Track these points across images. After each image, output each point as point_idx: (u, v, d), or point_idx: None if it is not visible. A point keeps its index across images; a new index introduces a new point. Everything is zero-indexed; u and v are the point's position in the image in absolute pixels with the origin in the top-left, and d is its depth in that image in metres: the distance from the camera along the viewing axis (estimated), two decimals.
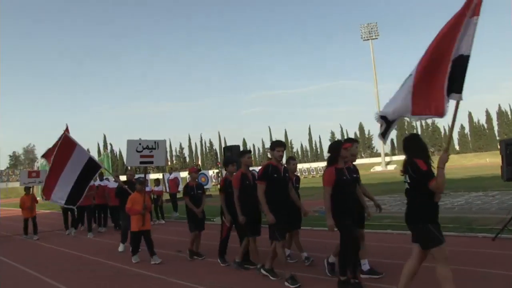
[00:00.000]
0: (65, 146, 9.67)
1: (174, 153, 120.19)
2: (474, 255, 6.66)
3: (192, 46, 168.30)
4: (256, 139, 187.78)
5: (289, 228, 6.48)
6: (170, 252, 9.10)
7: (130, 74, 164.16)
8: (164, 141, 8.68)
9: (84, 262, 8.98)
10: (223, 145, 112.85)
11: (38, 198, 15.02)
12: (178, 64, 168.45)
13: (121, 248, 9.92)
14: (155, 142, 8.51)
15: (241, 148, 13.95)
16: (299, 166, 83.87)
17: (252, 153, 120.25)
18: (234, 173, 7.16)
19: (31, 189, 14.22)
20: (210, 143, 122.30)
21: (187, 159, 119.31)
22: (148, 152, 8.40)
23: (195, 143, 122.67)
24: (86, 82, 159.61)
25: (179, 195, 13.82)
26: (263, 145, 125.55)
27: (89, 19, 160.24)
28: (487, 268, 5.85)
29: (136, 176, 12.19)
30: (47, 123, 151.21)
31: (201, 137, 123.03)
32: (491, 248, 7.16)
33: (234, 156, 12.53)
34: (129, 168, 16.33)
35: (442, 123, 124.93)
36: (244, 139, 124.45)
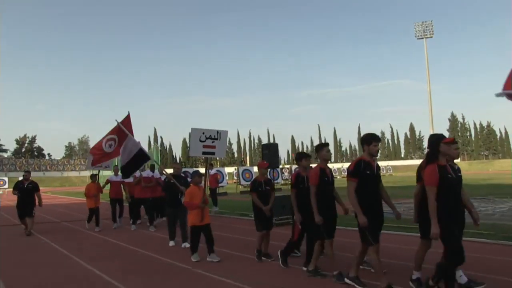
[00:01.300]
0: (119, 132, 10.16)
1: None
2: (504, 263, 6.38)
3: (245, 42, 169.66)
4: (305, 137, 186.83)
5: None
6: (223, 250, 8.65)
7: (181, 69, 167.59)
8: (226, 132, 8.27)
9: (135, 256, 9.04)
10: (271, 142, 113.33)
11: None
12: (230, 60, 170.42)
13: (171, 243, 9.49)
14: (217, 132, 8.09)
15: (279, 146, 13.74)
16: (347, 165, 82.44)
17: (300, 150, 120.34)
18: (311, 168, 6.56)
19: (97, 176, 13.67)
20: (259, 139, 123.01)
21: (235, 155, 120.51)
22: (210, 142, 8.02)
23: (244, 139, 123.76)
24: (138, 76, 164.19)
25: (218, 190, 13.71)
26: (312, 143, 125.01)
27: (143, 14, 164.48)
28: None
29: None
30: (101, 115, 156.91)
31: (249, 133, 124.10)
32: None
33: (271, 154, 12.53)
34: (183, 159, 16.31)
35: (498, 126, 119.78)
36: (292, 137, 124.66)
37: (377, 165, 5.63)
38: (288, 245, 7.03)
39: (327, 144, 6.57)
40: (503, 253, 7.12)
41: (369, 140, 5.49)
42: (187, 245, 8.64)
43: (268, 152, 12.56)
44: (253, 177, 30.05)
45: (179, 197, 9.27)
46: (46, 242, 10.66)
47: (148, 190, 12.73)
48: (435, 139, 5.00)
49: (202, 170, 9.30)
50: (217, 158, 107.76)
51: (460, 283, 5.16)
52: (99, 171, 14.36)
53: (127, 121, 10.31)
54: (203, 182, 7.97)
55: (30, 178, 12.46)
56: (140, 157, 9.86)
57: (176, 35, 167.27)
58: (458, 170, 5.02)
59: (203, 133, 7.92)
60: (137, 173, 12.63)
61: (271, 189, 7.72)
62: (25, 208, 12.21)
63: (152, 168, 13.82)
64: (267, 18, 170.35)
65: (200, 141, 7.89)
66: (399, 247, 7.80)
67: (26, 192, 12.21)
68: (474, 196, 18.05)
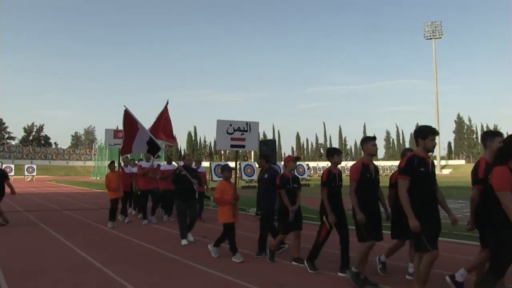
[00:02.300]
0: (129, 122, 9.98)
1: None
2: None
3: (252, 37, 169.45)
4: (310, 134, 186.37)
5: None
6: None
7: (188, 62, 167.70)
8: (257, 123, 7.82)
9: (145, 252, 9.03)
10: (276, 138, 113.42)
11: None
12: (236, 54, 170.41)
13: (184, 242, 8.78)
14: (247, 124, 7.66)
15: (284, 143, 13.75)
16: (351, 163, 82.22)
17: (305, 148, 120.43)
18: (353, 164, 5.94)
19: (115, 163, 12.20)
20: (264, 135, 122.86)
21: (240, 151, 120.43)
22: (239, 134, 7.58)
23: None
24: (145, 67, 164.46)
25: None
26: (317, 140, 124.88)
27: (151, 7, 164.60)
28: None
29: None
30: (107, 106, 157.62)
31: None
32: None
33: (269, 150, 12.58)
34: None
35: (506, 129, 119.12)
36: (298, 133, 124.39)
37: (432, 162, 5.05)
38: (314, 247, 6.46)
39: (374, 138, 5.89)
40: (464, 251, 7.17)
41: (425, 133, 4.88)
42: (191, 238, 8.93)
43: (266, 148, 12.64)
44: (254, 171, 30.57)
45: (191, 190, 8.94)
46: (45, 229, 10.86)
47: (153, 181, 12.37)
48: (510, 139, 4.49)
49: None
50: (221, 152, 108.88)
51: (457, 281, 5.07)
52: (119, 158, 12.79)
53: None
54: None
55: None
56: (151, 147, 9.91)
57: (182, 29, 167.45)
58: None
59: (230, 125, 7.52)
60: (148, 164, 12.60)
61: (298, 187, 7.19)
62: None
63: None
64: (275, 14, 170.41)
65: (228, 133, 7.49)
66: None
67: None
68: None
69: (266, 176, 7.91)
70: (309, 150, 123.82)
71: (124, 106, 9.96)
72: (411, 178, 4.77)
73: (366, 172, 5.64)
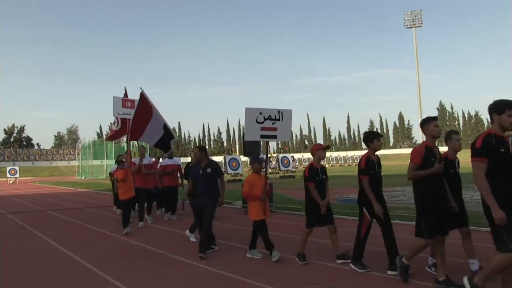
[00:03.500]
0: (144, 105, 9.47)
1: (212, 137, 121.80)
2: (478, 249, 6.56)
3: (235, 31, 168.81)
4: (294, 126, 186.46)
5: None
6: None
7: (171, 58, 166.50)
8: (290, 111, 7.13)
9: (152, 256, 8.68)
10: None
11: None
12: (220, 49, 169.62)
13: (193, 238, 8.44)
14: (278, 112, 6.99)
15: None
16: (335, 154, 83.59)
17: (291, 140, 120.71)
18: (415, 147, 5.18)
19: (124, 160, 10.67)
20: None
21: (225, 144, 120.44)
22: (270, 123, 6.92)
23: (233, 128, 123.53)
24: (129, 65, 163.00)
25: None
26: (301, 132, 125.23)
27: (134, 8, 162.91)
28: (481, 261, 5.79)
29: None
30: (89, 105, 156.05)
31: (239, 122, 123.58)
32: (492, 242, 7.00)
33: (252, 142, 12.55)
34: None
35: (486, 115, 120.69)
36: None
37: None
38: (357, 244, 5.78)
39: (435, 118, 5.23)
40: (473, 238, 7.31)
41: (501, 107, 4.22)
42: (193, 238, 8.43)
43: (249, 141, 12.67)
44: (239, 165, 30.34)
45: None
46: (30, 230, 10.76)
47: (151, 179, 11.61)
48: None
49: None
50: (207, 147, 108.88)
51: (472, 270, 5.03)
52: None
53: (143, 99, 9.76)
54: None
55: None
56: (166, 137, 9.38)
57: (163, 24, 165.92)
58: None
59: (261, 113, 6.85)
60: (150, 160, 12.10)
61: (326, 179, 6.58)
62: None
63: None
64: (258, 6, 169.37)
65: (258, 122, 6.81)
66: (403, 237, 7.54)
67: None
68: None
69: (209, 170, 7.25)
70: (294, 142, 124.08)
71: (141, 88, 9.54)
72: (489, 161, 4.12)
73: (430, 156, 4.96)
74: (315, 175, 6.38)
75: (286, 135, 7.07)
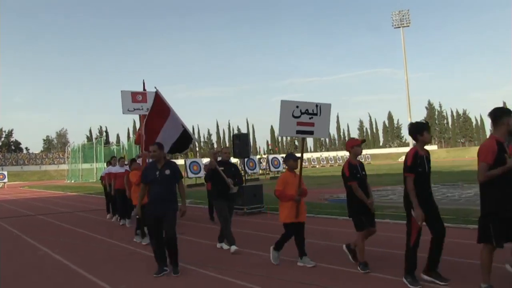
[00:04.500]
0: (160, 106, 8.50)
1: (202, 139, 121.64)
2: (460, 246, 6.59)
3: (224, 31, 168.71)
4: None
5: None
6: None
7: (157, 58, 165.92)
8: (329, 105, 6.57)
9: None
10: (250, 132, 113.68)
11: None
12: (209, 49, 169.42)
13: (225, 246, 7.58)
14: (316, 106, 6.40)
15: (250, 137, 13.53)
16: (325, 154, 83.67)
17: (279, 141, 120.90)
18: (483, 143, 4.53)
19: (139, 159, 9.92)
20: (238, 129, 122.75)
21: (215, 145, 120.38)
22: (307, 118, 6.33)
23: (223, 129, 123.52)
24: (117, 66, 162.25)
25: None
26: None
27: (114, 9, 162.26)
28: (471, 259, 5.84)
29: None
30: (78, 108, 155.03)
31: (229, 124, 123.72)
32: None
33: (242, 144, 12.60)
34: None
35: (474, 114, 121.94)
36: (272, 126, 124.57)
37: None
38: (408, 255, 4.95)
39: (509, 112, 4.47)
40: (461, 235, 7.38)
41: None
42: (226, 246, 7.46)
43: (239, 142, 12.70)
44: (201, 169, 28.11)
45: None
46: (18, 235, 10.66)
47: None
48: None
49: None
50: (196, 148, 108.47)
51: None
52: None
53: (158, 99, 8.62)
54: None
55: None
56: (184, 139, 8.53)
57: (150, 24, 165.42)
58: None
59: (297, 107, 6.27)
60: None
61: (365, 175, 6.02)
62: None
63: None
64: (247, 7, 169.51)
65: (294, 116, 6.23)
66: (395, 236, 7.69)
67: None
68: (444, 182, 18.58)
69: (167, 172, 6.12)
70: (284, 142, 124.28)
71: (155, 88, 8.72)
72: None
73: (502, 151, 4.32)
74: (356, 172, 5.83)
75: (324, 132, 6.58)
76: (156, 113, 8.41)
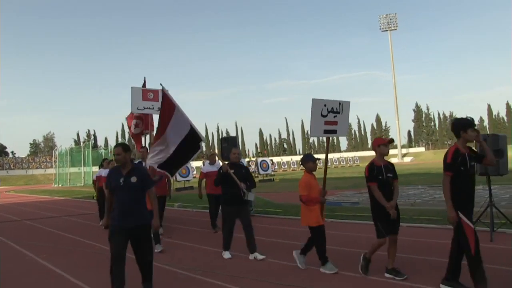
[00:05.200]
0: (167, 105, 7.95)
1: None
2: (443, 246, 6.65)
3: (212, 33, 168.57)
4: (273, 129, 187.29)
5: None
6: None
7: (146, 60, 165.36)
8: (348, 103, 6.36)
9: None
10: (239, 135, 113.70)
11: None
12: (197, 51, 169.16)
13: (227, 255, 7.16)
14: (339, 104, 6.12)
15: (239, 140, 13.31)
16: (315, 156, 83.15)
17: (268, 143, 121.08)
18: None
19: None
20: (227, 132, 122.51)
21: (204, 148, 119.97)
22: (332, 117, 6.07)
23: (212, 133, 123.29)
24: (104, 70, 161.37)
25: None
26: (280, 135, 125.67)
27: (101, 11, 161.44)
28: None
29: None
30: (66, 111, 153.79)
31: (217, 127, 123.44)
32: None
33: (230, 147, 12.52)
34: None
35: (461, 115, 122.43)
36: (260, 129, 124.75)
37: None
38: (471, 265, 4.46)
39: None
40: (447, 236, 7.43)
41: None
42: (260, 256, 6.88)
43: (227, 146, 12.67)
44: (190, 173, 28.51)
45: (241, 192, 6.98)
46: (3, 240, 10.51)
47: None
48: None
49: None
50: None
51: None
52: None
53: (165, 97, 7.94)
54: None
55: None
56: (191, 141, 7.74)
57: (140, 29, 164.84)
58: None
59: (325, 105, 5.97)
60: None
61: (393, 177, 5.54)
62: None
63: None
64: (236, 9, 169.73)
65: (322, 115, 5.96)
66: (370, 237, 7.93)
67: None
68: (431, 184, 18.77)
69: (133, 179, 5.15)
70: (273, 145, 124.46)
71: (161, 85, 8.20)
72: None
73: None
74: (377, 173, 5.42)
75: (345, 130, 6.34)
76: (164, 112, 8.01)
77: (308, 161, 6.06)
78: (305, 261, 6.10)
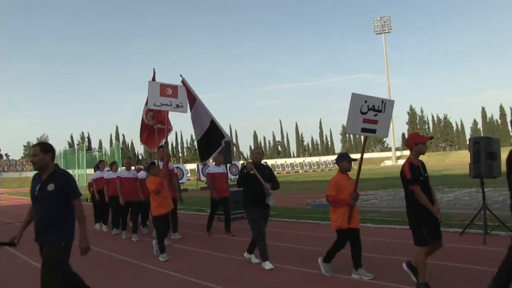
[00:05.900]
0: (189, 93, 7.69)
1: (185, 144, 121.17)
2: (443, 249, 6.68)
3: (205, 37, 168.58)
4: (267, 132, 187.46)
5: None
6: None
7: (140, 64, 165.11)
8: (392, 102, 5.94)
9: None
10: (234, 137, 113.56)
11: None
12: (190, 55, 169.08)
13: (253, 259, 6.89)
14: (382, 102, 5.75)
15: (242, 142, 13.52)
16: (308, 159, 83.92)
17: (262, 146, 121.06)
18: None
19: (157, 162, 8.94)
20: None
21: (198, 152, 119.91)
22: (372, 115, 5.67)
23: None
24: (99, 73, 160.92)
25: None
26: (274, 138, 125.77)
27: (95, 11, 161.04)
28: (448, 261, 5.93)
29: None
30: (60, 113, 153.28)
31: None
32: (458, 242, 7.25)
33: (224, 150, 12.47)
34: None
35: (455, 118, 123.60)
36: (255, 132, 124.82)
37: None
38: (502, 272, 4.05)
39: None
40: (447, 239, 7.48)
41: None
42: (255, 259, 6.80)
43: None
44: (184, 175, 28.53)
45: (265, 193, 6.55)
46: None
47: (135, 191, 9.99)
48: None
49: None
50: (180, 154, 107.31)
51: None
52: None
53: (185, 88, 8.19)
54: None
55: None
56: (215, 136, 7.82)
57: (131, 31, 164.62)
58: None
59: (365, 102, 5.61)
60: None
61: (428, 177, 5.24)
62: None
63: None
64: (229, 12, 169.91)
65: (361, 112, 5.59)
66: (375, 240, 7.81)
67: None
68: None
69: (51, 187, 4.29)
70: (267, 148, 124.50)
71: (181, 76, 7.97)
72: None
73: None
74: (419, 174, 5.01)
75: (385, 131, 5.95)
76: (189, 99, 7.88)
77: (342, 160, 5.80)
78: (330, 269, 5.80)
